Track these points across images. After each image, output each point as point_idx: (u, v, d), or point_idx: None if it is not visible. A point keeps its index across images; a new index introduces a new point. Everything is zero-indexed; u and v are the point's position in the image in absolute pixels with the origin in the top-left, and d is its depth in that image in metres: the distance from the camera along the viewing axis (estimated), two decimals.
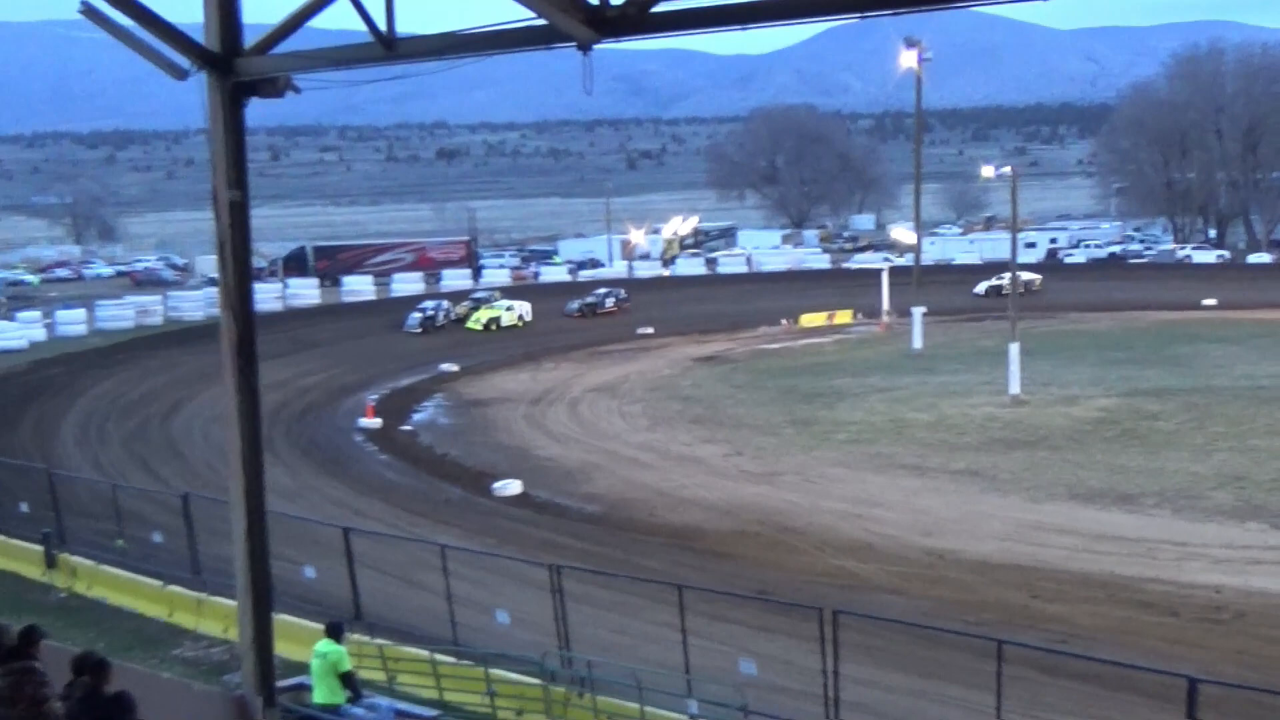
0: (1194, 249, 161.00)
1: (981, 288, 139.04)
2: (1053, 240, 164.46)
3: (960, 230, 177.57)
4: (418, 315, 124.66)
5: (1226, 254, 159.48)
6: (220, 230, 25.11)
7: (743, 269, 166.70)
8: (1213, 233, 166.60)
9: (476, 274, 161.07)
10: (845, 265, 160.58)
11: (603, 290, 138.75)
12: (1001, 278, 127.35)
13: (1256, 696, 35.51)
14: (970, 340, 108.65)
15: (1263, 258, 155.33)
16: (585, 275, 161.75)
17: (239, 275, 25.66)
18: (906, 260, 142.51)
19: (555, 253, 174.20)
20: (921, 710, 38.11)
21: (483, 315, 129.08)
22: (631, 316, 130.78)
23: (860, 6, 18.66)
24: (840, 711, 36.66)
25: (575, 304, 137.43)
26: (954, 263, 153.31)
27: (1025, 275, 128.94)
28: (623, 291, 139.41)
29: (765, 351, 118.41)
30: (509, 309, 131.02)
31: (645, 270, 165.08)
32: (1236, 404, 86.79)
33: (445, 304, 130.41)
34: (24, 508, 60.05)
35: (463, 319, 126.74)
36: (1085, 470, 72.40)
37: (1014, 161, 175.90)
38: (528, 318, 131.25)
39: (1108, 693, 37.69)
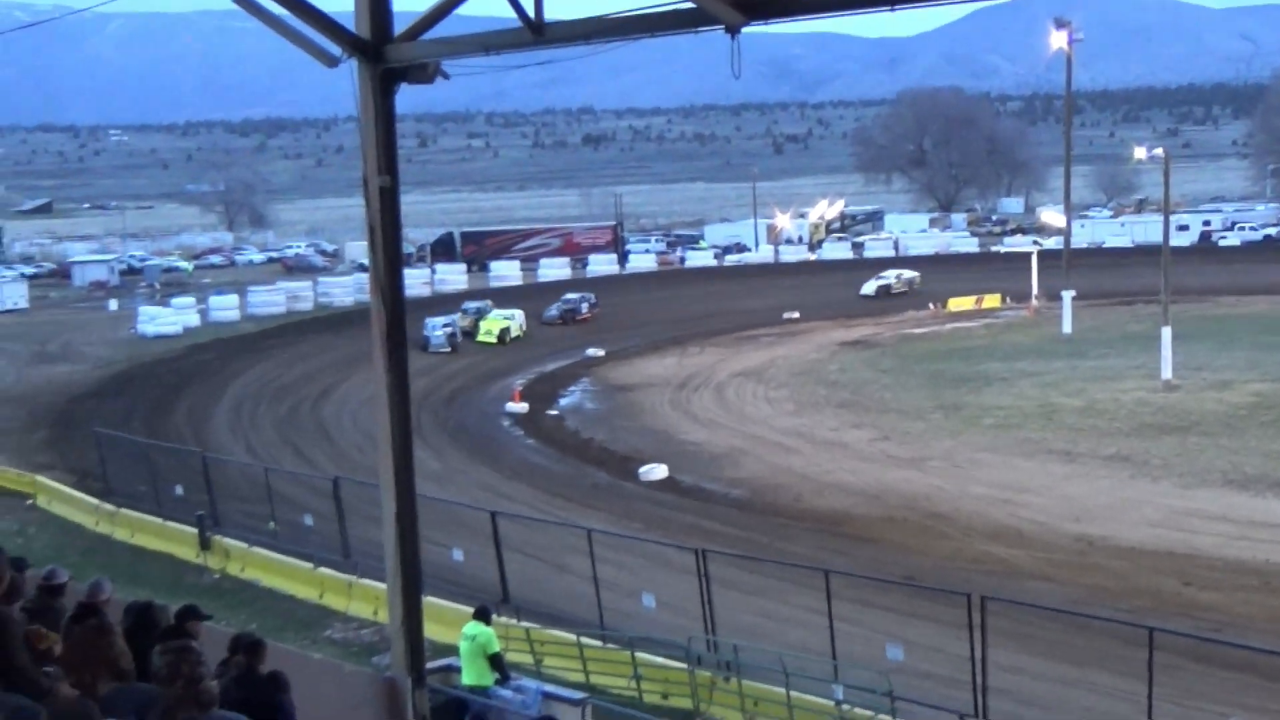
0: None
1: (870, 287, 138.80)
2: (1206, 223, 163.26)
3: (1111, 213, 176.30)
4: (556, 309, 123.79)
5: None
6: (370, 216, 25.21)
7: (889, 253, 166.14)
8: None
9: (622, 259, 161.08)
10: (993, 249, 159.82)
11: (576, 296, 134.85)
12: (883, 276, 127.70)
13: None
14: (1121, 324, 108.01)
15: None
16: (731, 259, 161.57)
17: (389, 260, 25.83)
18: (1056, 244, 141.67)
19: (701, 238, 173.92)
20: (1071, 698, 38.04)
21: (492, 326, 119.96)
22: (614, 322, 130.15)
23: None
24: (988, 699, 36.59)
25: (554, 310, 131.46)
26: (1104, 246, 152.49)
27: (906, 273, 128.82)
28: (593, 296, 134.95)
29: (912, 336, 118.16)
30: (509, 318, 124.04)
31: (791, 255, 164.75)
32: None
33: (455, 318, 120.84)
34: (179, 491, 60.80)
35: (469, 332, 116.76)
36: (1240, 456, 71.79)
37: (1166, 143, 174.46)
38: (524, 326, 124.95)
39: (1263, 682, 37.56)
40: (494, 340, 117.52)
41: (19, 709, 12.82)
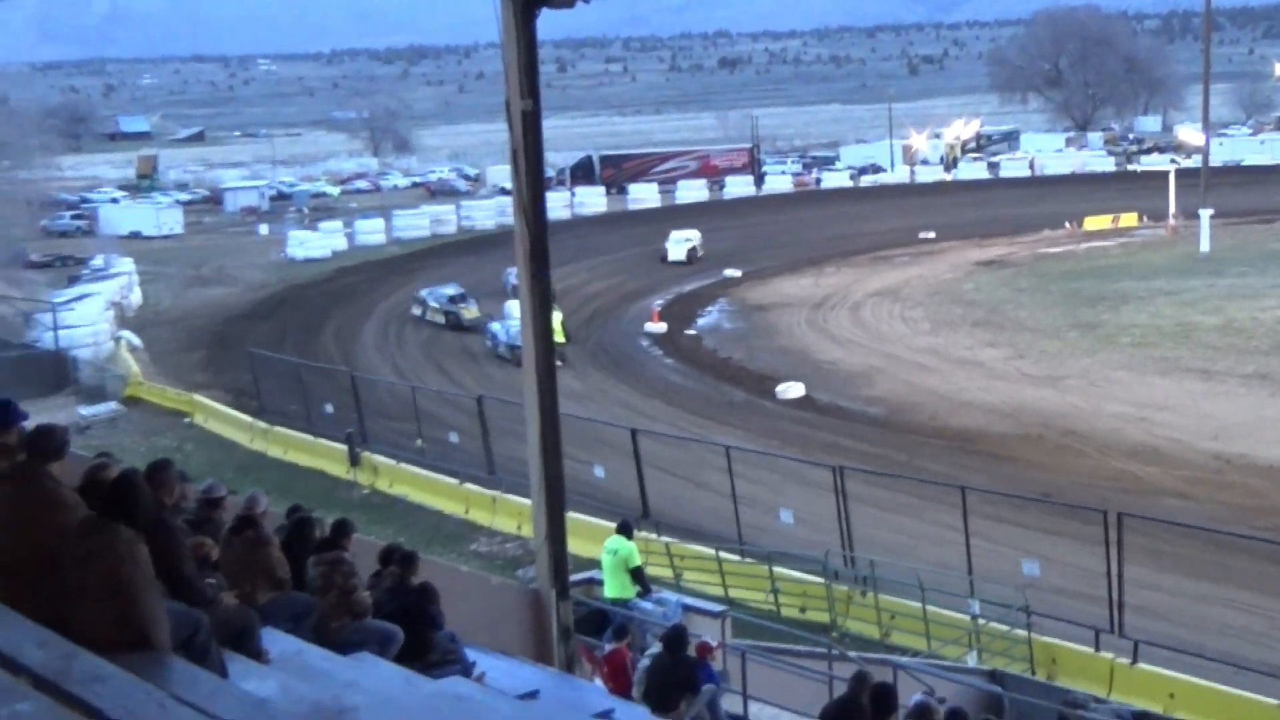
0: None
1: (680, 252, 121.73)
2: None
3: (1250, 131, 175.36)
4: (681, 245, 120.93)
5: None
6: (514, 139, 25.58)
7: (1025, 173, 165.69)
8: None
9: (759, 180, 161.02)
10: (1130, 168, 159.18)
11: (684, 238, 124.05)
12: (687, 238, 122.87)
13: None
14: (1260, 243, 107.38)
15: None
16: (867, 180, 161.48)
17: (532, 183, 26.12)
18: (1194, 162, 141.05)
19: (837, 159, 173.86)
20: (1208, 615, 37.99)
21: (678, 249, 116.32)
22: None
23: None
24: (1124, 615, 36.63)
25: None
26: (1243, 164, 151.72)
27: (691, 237, 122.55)
28: (699, 236, 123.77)
29: (1048, 255, 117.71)
30: (689, 239, 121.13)
31: (927, 175, 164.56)
32: None
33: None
34: (329, 409, 61.67)
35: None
36: None
37: None
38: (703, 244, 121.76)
39: None
40: (684, 259, 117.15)
41: (184, 616, 13.13)
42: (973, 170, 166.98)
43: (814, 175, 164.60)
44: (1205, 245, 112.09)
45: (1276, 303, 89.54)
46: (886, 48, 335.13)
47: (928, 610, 38.31)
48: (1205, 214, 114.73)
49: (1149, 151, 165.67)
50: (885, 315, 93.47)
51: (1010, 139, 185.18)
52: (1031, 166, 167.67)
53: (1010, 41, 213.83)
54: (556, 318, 70.19)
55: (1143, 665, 35.10)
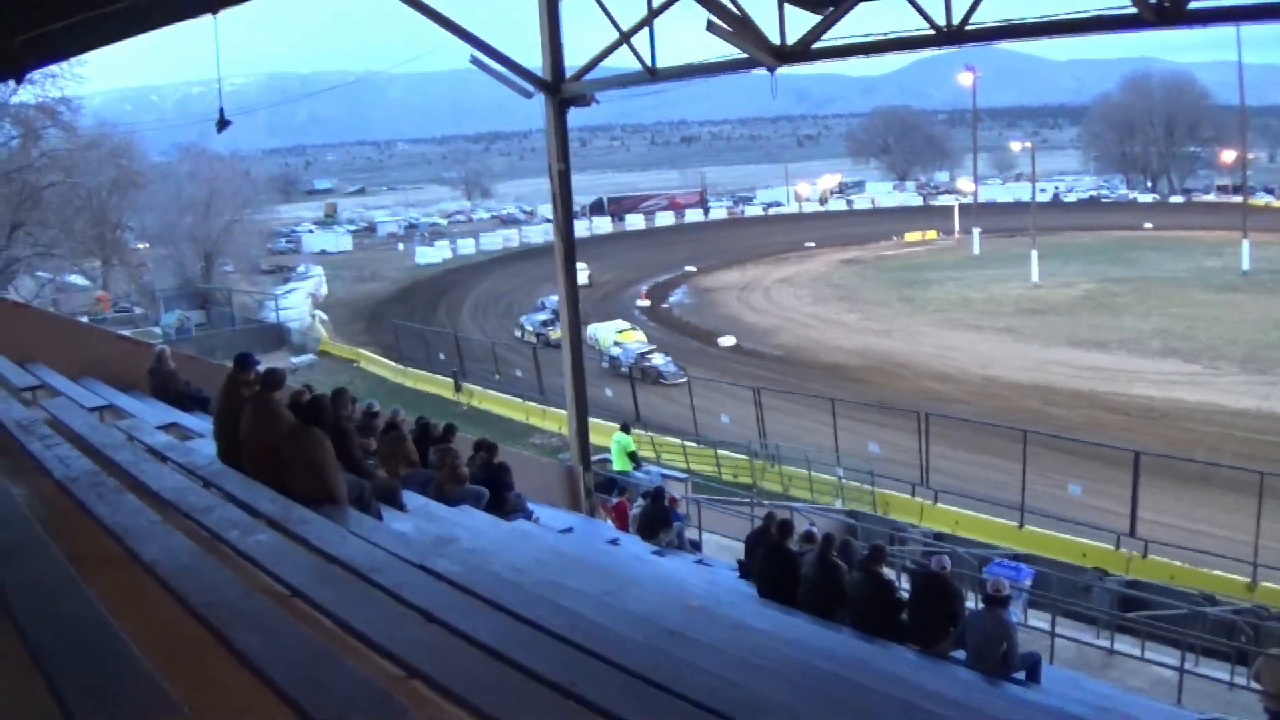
0: (1139, 193, 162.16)
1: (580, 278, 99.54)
2: (1056, 189, 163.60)
3: (1001, 182, 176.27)
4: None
5: (1156, 196, 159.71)
6: (553, 188, 26.31)
7: (869, 206, 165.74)
8: (1149, 183, 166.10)
9: (706, 211, 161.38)
10: (931, 204, 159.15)
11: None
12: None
13: (1178, 464, 36.01)
14: (1007, 249, 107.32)
15: (1177, 199, 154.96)
16: (773, 211, 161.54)
17: (565, 215, 26.61)
18: (969, 200, 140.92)
19: (754, 198, 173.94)
20: (978, 474, 38.39)
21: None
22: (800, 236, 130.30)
23: (946, 41, 19.48)
24: (929, 475, 37.67)
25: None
26: (997, 201, 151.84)
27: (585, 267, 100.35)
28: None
29: (884, 256, 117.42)
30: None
31: (809, 207, 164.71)
32: (1165, 287, 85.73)
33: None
34: (441, 356, 62.26)
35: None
36: (1076, 328, 72.31)
37: (1032, 139, 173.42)
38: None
39: (1086, 461, 37.87)
40: (587, 283, 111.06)
41: (355, 484, 13.29)
42: (837, 204, 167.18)
43: (740, 208, 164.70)
44: (977, 250, 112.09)
45: (1018, 285, 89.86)
46: (783, 130, 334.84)
47: (811, 474, 38.92)
48: (976, 231, 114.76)
49: (942, 194, 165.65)
50: (784, 294, 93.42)
51: (859, 186, 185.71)
52: (872, 203, 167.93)
53: (859, 126, 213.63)
54: (639, 335, 70.04)
55: (940, 505, 35.48)
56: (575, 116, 26.46)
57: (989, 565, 27.08)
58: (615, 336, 67.99)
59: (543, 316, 74.56)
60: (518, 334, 76.27)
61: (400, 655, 7.00)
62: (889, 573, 16.97)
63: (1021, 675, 14.94)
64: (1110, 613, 25.21)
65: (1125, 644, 23.40)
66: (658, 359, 62.78)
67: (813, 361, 66.61)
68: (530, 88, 25.49)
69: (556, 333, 64.33)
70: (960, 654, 15.07)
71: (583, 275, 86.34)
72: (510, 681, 6.92)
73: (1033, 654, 15.56)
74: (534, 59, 25.87)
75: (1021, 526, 32.98)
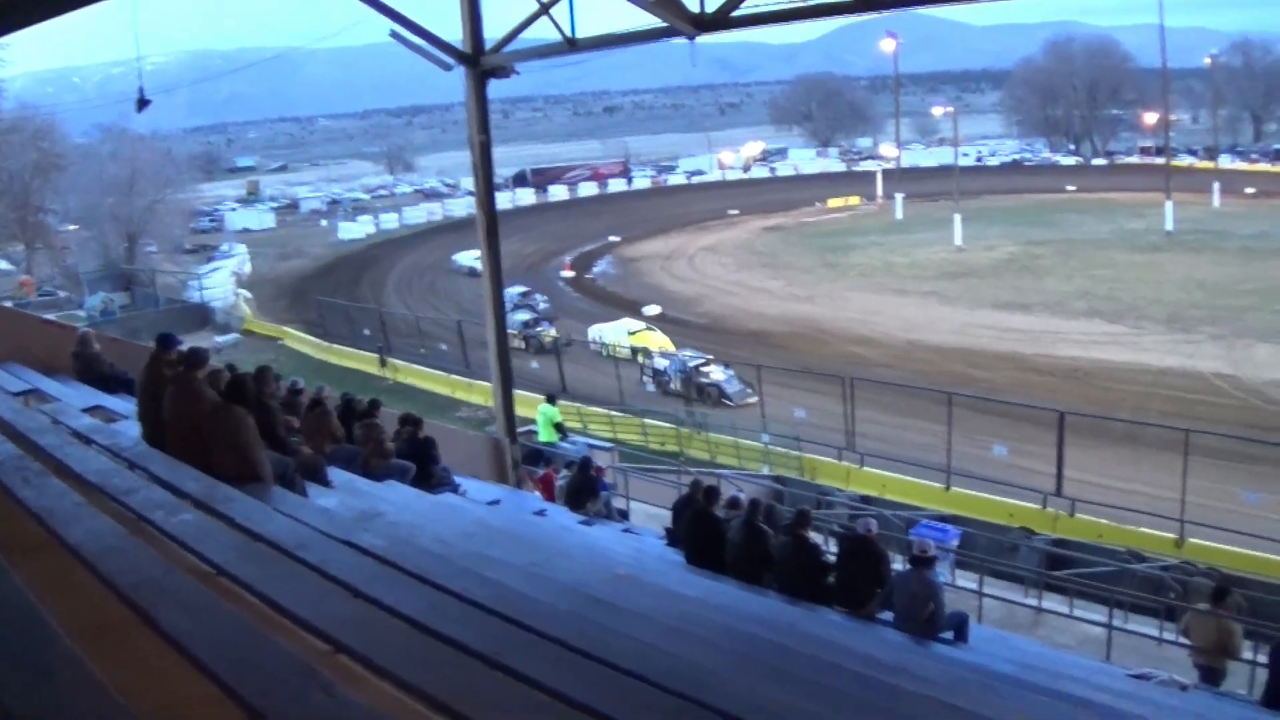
0: (1061, 156, 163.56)
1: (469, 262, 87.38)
2: (979, 153, 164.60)
3: (924, 147, 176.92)
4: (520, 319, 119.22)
5: (1079, 159, 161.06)
6: (474, 159, 26.19)
7: (792, 173, 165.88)
8: (1072, 146, 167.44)
9: (629, 181, 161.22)
10: (854, 169, 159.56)
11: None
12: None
13: (1105, 424, 36.47)
14: (930, 213, 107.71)
15: (1100, 161, 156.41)
16: (696, 180, 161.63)
17: (486, 187, 26.58)
18: (892, 165, 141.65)
19: (677, 167, 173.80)
20: (903, 437, 38.57)
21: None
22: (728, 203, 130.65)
23: (868, 7, 19.66)
24: (855, 439, 37.95)
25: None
26: (919, 166, 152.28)
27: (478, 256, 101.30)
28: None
29: (806, 223, 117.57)
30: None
31: (732, 175, 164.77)
32: (1088, 249, 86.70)
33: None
34: (366, 332, 62.04)
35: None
36: (1000, 290, 73.00)
37: (955, 104, 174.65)
38: None
39: (1013, 423, 38.32)
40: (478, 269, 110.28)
41: (280, 461, 13.32)
42: (759, 172, 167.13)
43: (663, 178, 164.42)
44: (900, 215, 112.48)
45: (941, 249, 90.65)
46: (706, 98, 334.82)
47: (738, 441, 39.13)
48: (899, 196, 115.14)
49: (865, 159, 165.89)
50: (708, 262, 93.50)
51: (782, 153, 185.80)
52: (796, 170, 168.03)
53: (782, 94, 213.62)
54: (661, 337, 59.96)
55: (866, 469, 35.73)
56: (497, 88, 26.51)
57: (915, 527, 27.35)
58: (629, 339, 58.43)
59: (524, 316, 64.12)
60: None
61: (326, 630, 7.05)
62: (815, 537, 17.14)
63: (949, 635, 15.11)
64: (1037, 571, 25.53)
65: (1053, 602, 23.72)
66: (717, 372, 50.83)
67: (737, 329, 66.74)
68: (450, 60, 25.50)
69: (551, 333, 59.88)
70: (888, 615, 15.22)
71: (471, 261, 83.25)
72: (436, 653, 6.98)
73: (960, 614, 15.74)
74: (455, 32, 25.91)
75: (948, 488, 33.27)
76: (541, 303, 72.36)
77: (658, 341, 58.41)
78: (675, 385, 50.96)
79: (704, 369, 51.07)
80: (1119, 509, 30.55)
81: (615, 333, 59.36)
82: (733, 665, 9.16)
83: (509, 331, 57.23)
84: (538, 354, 57.66)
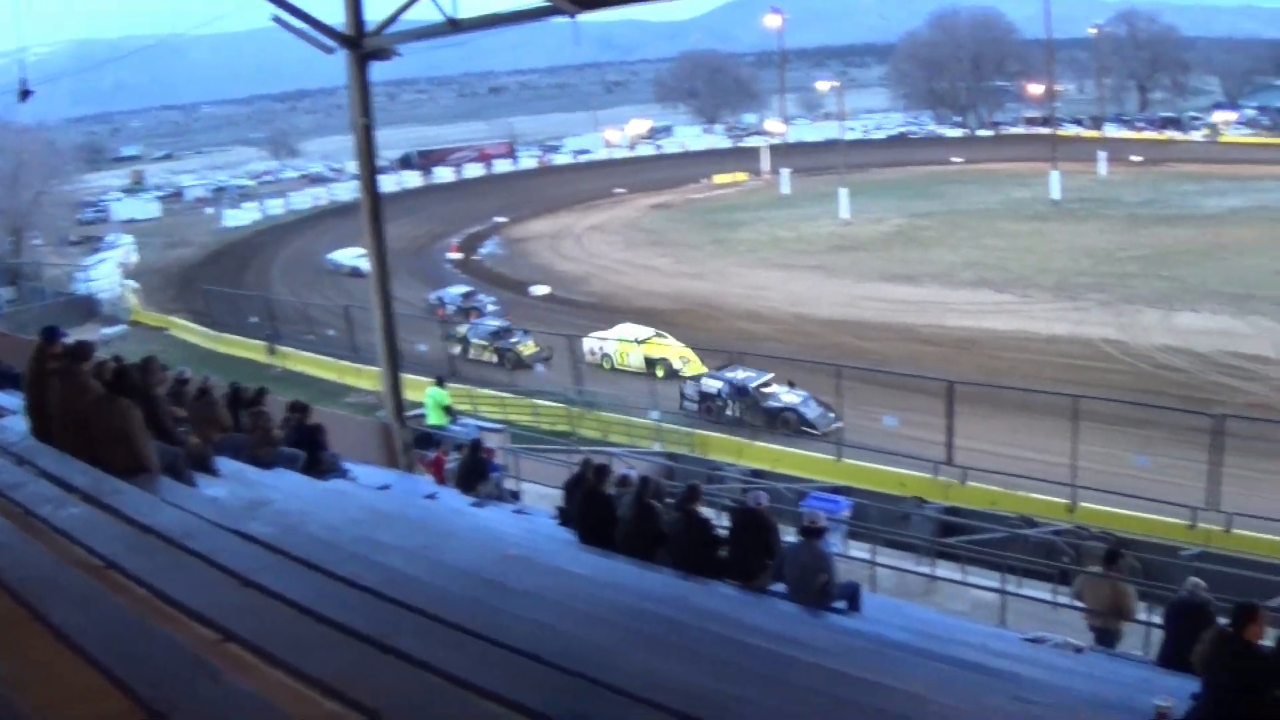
0: (947, 129, 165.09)
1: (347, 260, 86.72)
2: (865, 127, 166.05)
3: (810, 122, 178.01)
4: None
5: (965, 131, 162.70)
6: (357, 143, 26.26)
7: (678, 150, 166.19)
8: (958, 119, 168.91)
9: (515, 161, 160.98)
10: (740, 145, 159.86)
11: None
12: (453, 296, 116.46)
13: (995, 392, 36.94)
14: (817, 188, 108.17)
15: (986, 133, 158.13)
16: (583, 159, 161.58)
17: (369, 170, 26.55)
18: (778, 140, 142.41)
19: (562, 146, 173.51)
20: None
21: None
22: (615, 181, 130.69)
23: None
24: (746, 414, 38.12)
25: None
26: (805, 141, 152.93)
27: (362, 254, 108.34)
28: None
29: (694, 199, 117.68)
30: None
31: (619, 153, 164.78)
32: (975, 220, 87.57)
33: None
34: (253, 320, 61.46)
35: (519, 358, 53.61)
36: (887, 263, 73.40)
37: (840, 77, 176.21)
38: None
39: (906, 393, 38.64)
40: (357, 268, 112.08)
41: (167, 451, 13.26)
42: (646, 149, 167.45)
43: (549, 157, 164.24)
44: (786, 189, 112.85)
45: (827, 223, 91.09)
46: (591, 77, 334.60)
47: (630, 419, 39.34)
48: (785, 171, 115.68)
49: (751, 135, 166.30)
50: (595, 241, 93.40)
51: (668, 130, 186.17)
52: (682, 146, 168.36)
53: (667, 71, 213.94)
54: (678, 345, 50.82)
55: (758, 443, 35.99)
56: (381, 71, 26.43)
57: (806, 499, 27.54)
58: (640, 349, 50.38)
59: (493, 324, 56.40)
60: (456, 349, 54.00)
61: (215, 619, 7.06)
62: (707, 511, 17.25)
63: (842, 605, 15.26)
64: (930, 540, 25.82)
65: (947, 570, 23.98)
66: (788, 393, 41.46)
67: (626, 307, 66.52)
68: (331, 43, 25.39)
69: (529, 347, 52.14)
70: (781, 587, 15.35)
71: (351, 260, 79.15)
72: (326, 639, 7.01)
73: (851, 583, 15.89)
74: (338, 15, 25.81)
75: (839, 459, 33.57)
76: (489, 304, 65.46)
77: (676, 351, 50.28)
78: (734, 411, 41.64)
79: (765, 389, 41.98)
80: (1011, 475, 30.98)
81: (619, 342, 51.43)
82: (626, 641, 9.25)
83: (480, 343, 54.16)
84: (515, 369, 50.76)
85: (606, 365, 50.07)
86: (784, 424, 39.88)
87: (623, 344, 51.10)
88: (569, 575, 12.62)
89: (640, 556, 15.74)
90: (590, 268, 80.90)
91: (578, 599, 10.69)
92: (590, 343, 51.45)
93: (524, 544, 15.24)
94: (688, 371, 47.52)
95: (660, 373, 48.00)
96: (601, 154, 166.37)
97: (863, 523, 26.22)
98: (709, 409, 42.01)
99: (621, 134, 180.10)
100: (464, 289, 68.78)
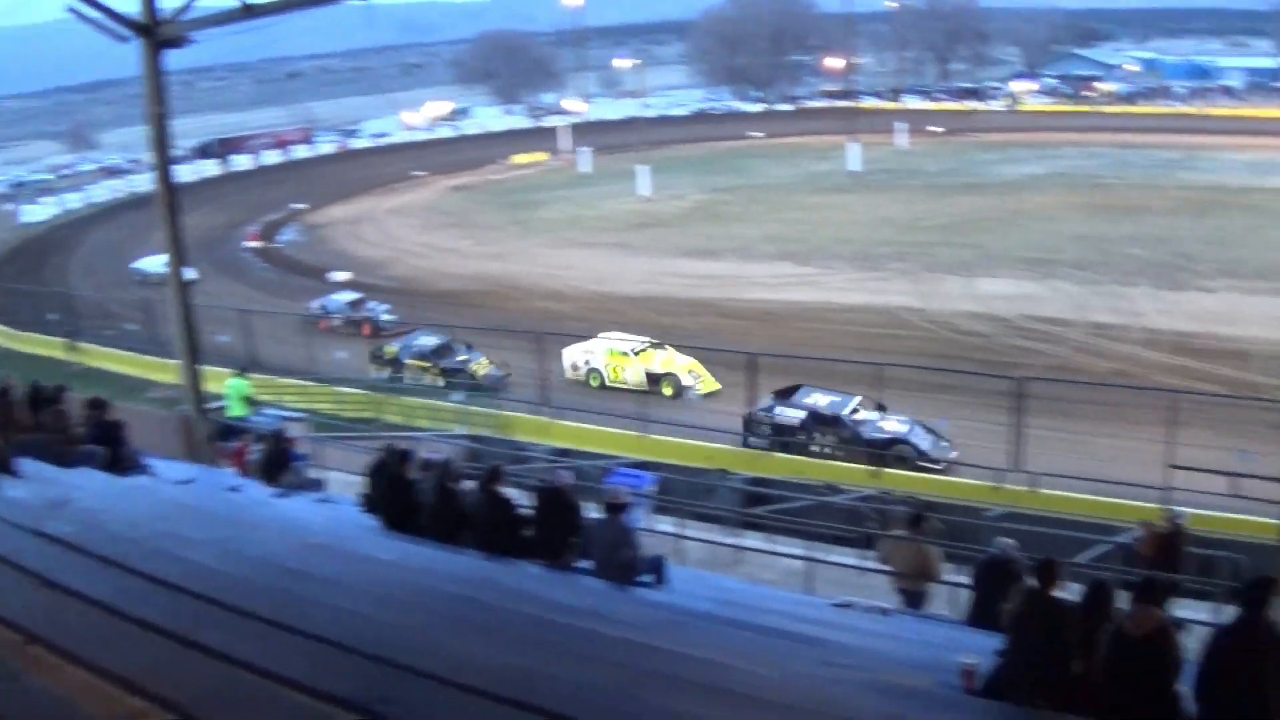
0: (746, 104, 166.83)
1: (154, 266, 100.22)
2: (665, 103, 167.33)
3: (610, 99, 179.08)
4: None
5: (764, 105, 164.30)
6: (152, 133, 25.80)
7: (478, 131, 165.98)
8: (757, 94, 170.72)
9: (312, 147, 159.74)
10: (540, 125, 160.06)
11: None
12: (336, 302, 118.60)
13: (801, 363, 37.48)
14: (617, 166, 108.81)
15: (785, 107, 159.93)
16: (381, 142, 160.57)
17: (164, 160, 26.24)
18: (578, 119, 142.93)
19: (360, 131, 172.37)
20: (598, 389, 39.39)
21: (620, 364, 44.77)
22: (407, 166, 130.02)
23: None
24: (551, 391, 38.32)
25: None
26: (605, 119, 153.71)
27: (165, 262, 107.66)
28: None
29: (493, 180, 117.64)
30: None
31: (418, 136, 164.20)
32: (775, 193, 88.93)
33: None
34: (54, 316, 60.39)
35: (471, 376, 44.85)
36: (688, 239, 74.21)
37: (640, 55, 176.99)
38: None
39: (711, 365, 39.31)
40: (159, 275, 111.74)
41: None
42: (445, 131, 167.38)
43: (347, 141, 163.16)
44: (587, 168, 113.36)
45: (628, 201, 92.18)
46: (389, 60, 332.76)
47: (433, 403, 39.39)
48: (585, 150, 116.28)
49: (551, 115, 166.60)
50: (396, 225, 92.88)
51: (468, 111, 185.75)
52: (482, 128, 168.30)
53: (466, 52, 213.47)
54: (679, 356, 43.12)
55: (562, 422, 36.23)
56: (179, 59, 26.09)
57: (610, 475, 27.74)
58: (639, 361, 43.18)
59: (431, 341, 46.85)
60: (385, 375, 46.26)
61: (17, 621, 7.05)
62: (512, 492, 17.36)
63: (649, 578, 15.45)
64: (735, 510, 26.12)
65: (754, 540, 24.27)
66: (888, 420, 34.46)
67: (427, 290, 66.41)
68: (126, 32, 25.10)
69: (482, 365, 44.89)
70: (588, 564, 15.51)
71: (156, 266, 73.91)
72: (129, 636, 7.03)
73: (657, 557, 16.05)
74: (135, 2, 25.54)
75: (644, 435, 33.87)
76: (384, 313, 56.90)
77: (684, 365, 43.17)
78: (824, 446, 34.23)
79: (856, 416, 34.74)
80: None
81: (610, 355, 44.16)
82: (432, 625, 9.35)
83: (417, 363, 46.90)
84: (473, 390, 42.11)
85: (595, 381, 43.89)
86: (897, 459, 32.75)
87: (614, 356, 43.96)
88: (374, 562, 12.68)
89: (445, 539, 15.82)
90: (391, 252, 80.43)
91: (382, 585, 10.77)
92: (572, 355, 44.90)
93: (328, 532, 15.26)
94: (702, 389, 41.85)
95: (668, 390, 42.06)
96: (400, 137, 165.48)
97: (668, 497, 26.43)
98: (785, 445, 34.46)
99: (420, 116, 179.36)
100: (351, 296, 59.61)
